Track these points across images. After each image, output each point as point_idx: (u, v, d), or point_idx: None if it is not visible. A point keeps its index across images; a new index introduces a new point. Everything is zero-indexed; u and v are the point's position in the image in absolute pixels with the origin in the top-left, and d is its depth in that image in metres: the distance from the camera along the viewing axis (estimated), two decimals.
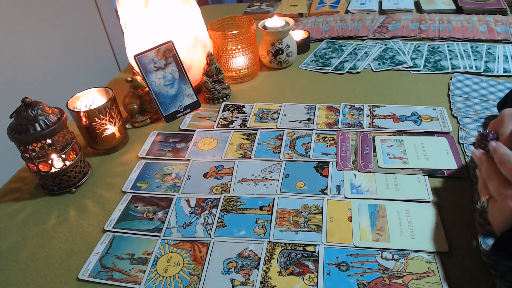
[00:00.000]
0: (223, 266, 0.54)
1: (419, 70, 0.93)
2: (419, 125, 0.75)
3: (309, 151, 0.72)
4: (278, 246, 0.56)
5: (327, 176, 0.67)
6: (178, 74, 0.85)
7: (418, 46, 1.03)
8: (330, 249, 0.55)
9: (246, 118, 0.84)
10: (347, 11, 1.29)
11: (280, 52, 0.98)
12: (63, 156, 0.67)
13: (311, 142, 0.75)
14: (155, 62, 0.82)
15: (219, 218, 0.61)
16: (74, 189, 0.70)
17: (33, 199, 0.70)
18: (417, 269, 0.51)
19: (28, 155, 0.66)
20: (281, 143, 0.75)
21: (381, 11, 1.26)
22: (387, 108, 0.81)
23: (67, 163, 0.68)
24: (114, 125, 0.76)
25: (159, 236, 0.60)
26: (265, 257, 0.55)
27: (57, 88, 1.41)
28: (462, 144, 0.70)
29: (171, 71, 0.84)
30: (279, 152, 0.73)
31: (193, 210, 0.64)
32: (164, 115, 0.84)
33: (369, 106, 0.82)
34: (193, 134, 0.81)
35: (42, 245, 0.61)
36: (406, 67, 0.95)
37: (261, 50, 1.00)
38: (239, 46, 0.93)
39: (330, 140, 0.74)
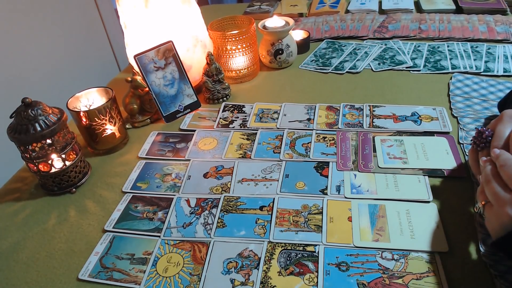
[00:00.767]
0: (223, 266, 0.54)
1: (419, 70, 0.93)
2: (419, 125, 0.75)
3: (309, 151, 0.72)
4: (278, 246, 0.56)
5: (327, 176, 0.67)
6: (178, 74, 0.85)
7: (418, 46, 1.03)
8: (330, 249, 0.55)
9: (246, 118, 0.84)
10: (347, 11, 1.29)
11: (280, 52, 0.98)
12: (63, 156, 0.67)
13: (311, 142, 0.75)
14: (155, 62, 0.82)
15: (219, 218, 0.61)
16: (74, 189, 0.70)
17: (33, 199, 0.70)
18: (417, 269, 0.51)
19: (28, 155, 0.66)
20: (281, 143, 0.75)
21: (381, 11, 1.26)
22: (387, 108, 0.81)
23: (67, 163, 0.68)
24: (114, 125, 0.77)
25: (159, 236, 0.60)
26: (265, 257, 0.55)
27: (57, 88, 1.41)
28: (462, 144, 0.70)
29: (171, 71, 0.84)
30: (279, 152, 0.73)
31: (193, 210, 0.64)
32: (164, 115, 0.84)
33: (369, 106, 0.82)
34: (193, 134, 0.81)
35: (42, 245, 0.61)
36: (406, 67, 0.95)
37: (261, 50, 1.00)
38: (239, 46, 0.93)
39: (330, 140, 0.74)
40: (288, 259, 0.54)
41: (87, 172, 0.73)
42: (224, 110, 0.87)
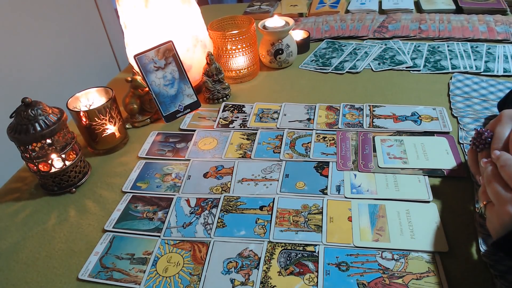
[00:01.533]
0: (223, 266, 0.54)
1: (419, 70, 0.93)
2: (419, 125, 0.75)
3: (309, 151, 0.72)
4: (278, 246, 0.56)
5: (327, 176, 0.67)
6: (178, 74, 0.85)
7: (418, 46, 1.03)
8: (330, 249, 0.55)
9: (246, 118, 0.84)
10: (347, 11, 1.29)
11: (280, 52, 0.98)
12: (63, 156, 0.67)
13: (311, 142, 0.75)
14: (155, 62, 0.82)
15: (219, 218, 0.61)
16: (74, 189, 0.70)
17: (33, 199, 0.70)
18: (417, 269, 0.51)
19: (28, 155, 0.66)
20: (281, 143, 0.75)
21: (381, 11, 1.26)
22: (387, 108, 0.81)
23: (67, 163, 0.68)
24: (114, 125, 0.77)
25: (159, 236, 0.60)
26: (265, 257, 0.55)
27: (57, 88, 1.41)
28: (462, 144, 0.70)
29: (171, 71, 0.84)
30: (279, 152, 0.73)
31: (193, 210, 0.64)
32: (164, 115, 0.84)
33: (369, 106, 0.82)
34: (193, 134, 0.81)
35: (42, 245, 0.61)
36: (406, 67, 0.95)
37: (261, 50, 1.00)
38: (239, 46, 0.93)
39: (330, 140, 0.74)
40: (288, 259, 0.54)
41: (87, 172, 0.73)
42: (224, 110, 0.87)
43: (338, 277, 0.51)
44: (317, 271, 0.52)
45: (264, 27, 0.97)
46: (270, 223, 0.60)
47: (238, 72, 0.97)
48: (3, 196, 0.72)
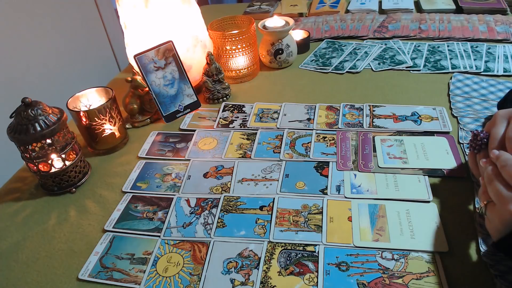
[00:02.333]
0: (223, 266, 0.54)
1: (419, 70, 0.93)
2: (419, 125, 0.75)
3: (309, 151, 0.72)
4: (278, 246, 0.56)
5: (327, 176, 0.67)
6: (178, 74, 0.85)
7: (418, 46, 1.03)
8: (330, 249, 0.55)
9: (246, 118, 0.84)
10: (347, 11, 1.28)
11: (280, 52, 0.98)
12: (63, 156, 0.67)
13: (311, 142, 0.75)
14: (155, 62, 0.82)
15: (219, 218, 0.61)
16: (74, 189, 0.70)
17: (33, 199, 0.70)
18: (417, 269, 0.51)
19: (28, 155, 0.66)
20: (281, 143, 0.75)
21: (381, 11, 1.26)
22: (387, 108, 0.81)
23: (67, 163, 0.68)
24: (114, 125, 0.77)
25: (159, 236, 0.60)
26: (265, 257, 0.55)
27: (57, 88, 1.41)
28: (462, 144, 0.70)
29: (171, 71, 0.84)
30: (279, 152, 0.73)
31: (193, 210, 0.64)
32: (164, 115, 0.84)
33: (369, 106, 0.82)
34: (193, 134, 0.81)
35: (42, 245, 0.61)
36: (406, 67, 0.95)
37: (261, 50, 1.00)
38: (239, 46, 0.93)
39: (330, 140, 0.74)
40: (288, 259, 0.54)
41: (87, 172, 0.73)
42: (224, 110, 0.87)
43: (338, 277, 0.51)
44: (317, 271, 0.52)
45: (264, 27, 0.97)
46: (270, 223, 0.60)
47: (238, 72, 0.97)
48: (3, 196, 0.72)
